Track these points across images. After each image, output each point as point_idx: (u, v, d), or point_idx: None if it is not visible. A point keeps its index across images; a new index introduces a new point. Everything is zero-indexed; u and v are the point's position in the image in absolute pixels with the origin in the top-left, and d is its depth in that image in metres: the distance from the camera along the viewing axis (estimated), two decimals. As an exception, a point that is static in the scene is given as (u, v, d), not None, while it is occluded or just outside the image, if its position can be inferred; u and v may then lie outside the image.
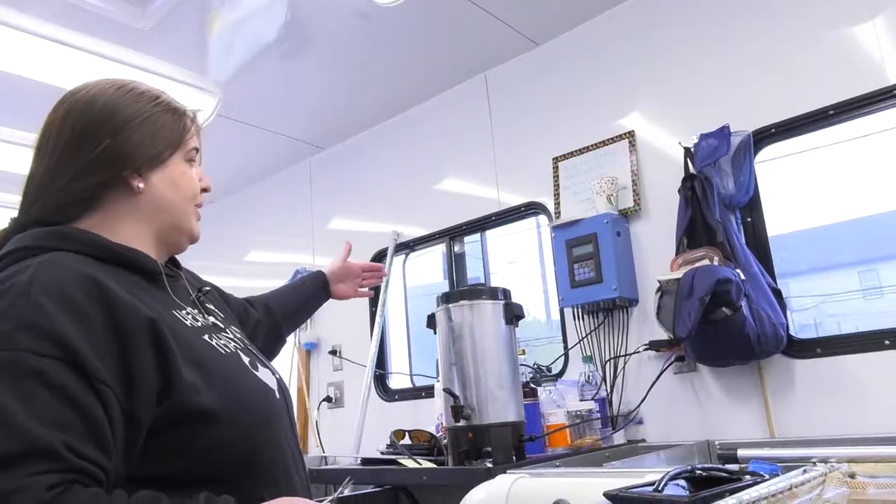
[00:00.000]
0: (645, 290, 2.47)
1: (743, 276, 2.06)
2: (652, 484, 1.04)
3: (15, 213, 0.98)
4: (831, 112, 2.13)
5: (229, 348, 1.01)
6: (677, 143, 2.40)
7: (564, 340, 2.72)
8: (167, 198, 1.03)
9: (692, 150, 2.33)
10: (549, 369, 2.62)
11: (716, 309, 1.99)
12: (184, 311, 1.00)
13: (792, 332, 2.16)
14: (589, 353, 2.54)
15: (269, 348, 1.50)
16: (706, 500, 0.88)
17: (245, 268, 4.51)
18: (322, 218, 3.95)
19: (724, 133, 2.24)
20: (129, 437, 0.82)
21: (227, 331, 1.09)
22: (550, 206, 2.84)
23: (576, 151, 2.78)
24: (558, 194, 2.80)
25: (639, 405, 2.38)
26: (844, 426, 1.99)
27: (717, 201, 2.20)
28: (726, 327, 1.99)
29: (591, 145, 2.73)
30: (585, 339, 2.57)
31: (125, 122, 0.98)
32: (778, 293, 2.14)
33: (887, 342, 1.97)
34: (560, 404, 2.27)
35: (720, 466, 1.12)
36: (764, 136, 2.26)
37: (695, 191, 2.26)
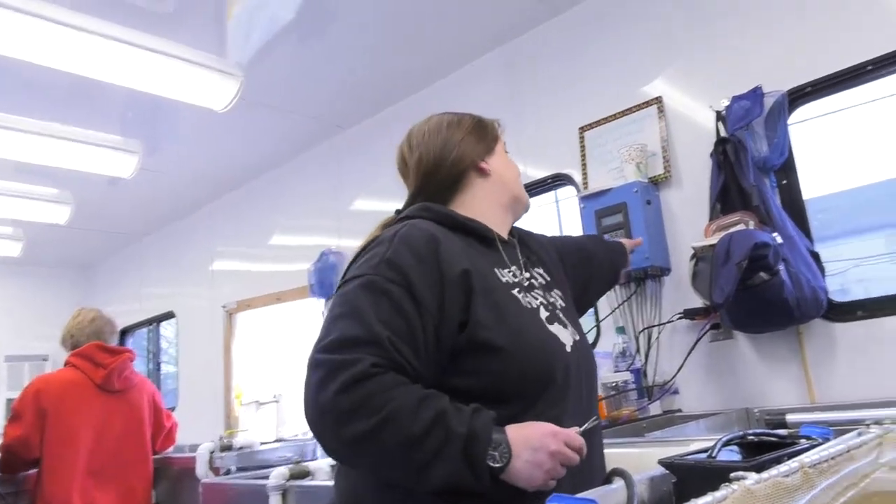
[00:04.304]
0: (677, 259, 2.43)
1: (780, 240, 2.01)
2: (704, 451, 1.02)
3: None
4: (870, 67, 2.06)
5: (532, 304, 1.26)
6: (707, 107, 2.35)
7: (596, 312, 2.70)
8: (503, 173, 1.40)
9: (723, 113, 2.28)
10: (581, 342, 2.60)
11: (753, 274, 1.95)
12: (506, 269, 1.28)
13: (831, 296, 2.11)
14: (622, 324, 2.51)
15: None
16: (765, 464, 0.85)
17: (270, 251, 4.53)
18: (346, 198, 3.95)
19: (756, 94, 2.18)
20: (437, 352, 1.11)
21: (539, 290, 1.32)
22: (578, 177, 2.80)
23: (602, 120, 2.73)
24: (585, 164, 2.76)
25: (675, 375, 2.35)
26: (887, 390, 1.95)
27: (750, 164, 2.15)
28: (765, 292, 1.95)
29: (618, 113, 2.68)
30: (618, 310, 2.55)
31: (470, 130, 1.40)
32: (816, 256, 2.09)
33: (932, 302, 1.93)
34: (595, 376, 2.25)
35: (772, 431, 1.09)
36: (799, 96, 2.20)
37: (727, 155, 2.21)
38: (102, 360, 3.09)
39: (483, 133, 1.42)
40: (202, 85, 3.10)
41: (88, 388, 3.05)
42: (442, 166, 1.36)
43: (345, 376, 1.02)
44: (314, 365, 1.07)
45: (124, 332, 5.95)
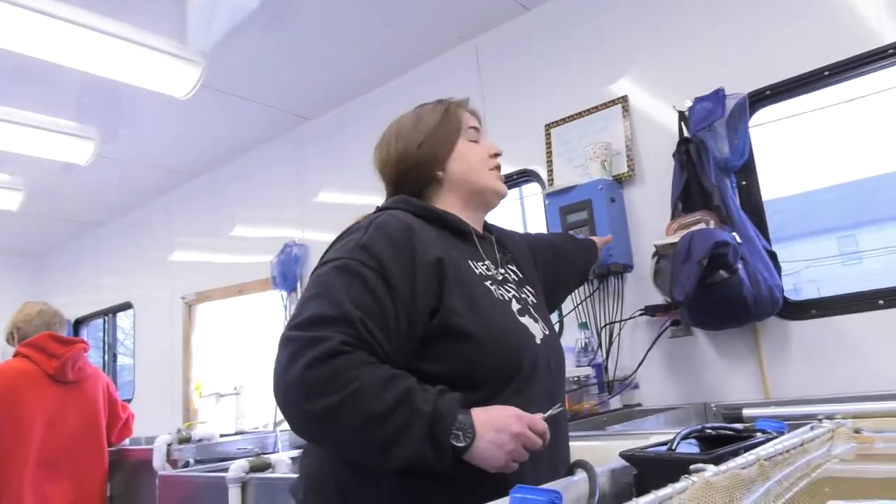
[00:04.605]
0: (640, 256, 2.47)
1: (739, 239, 2.06)
2: (664, 444, 1.04)
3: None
4: (826, 73, 2.12)
5: (504, 297, 1.28)
6: (671, 107, 2.39)
7: (559, 308, 2.72)
8: (460, 171, 1.39)
9: (686, 113, 2.31)
10: (543, 337, 2.62)
11: (713, 272, 1.99)
12: (480, 262, 1.31)
13: (786, 295, 2.17)
14: (584, 320, 2.54)
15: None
16: (723, 457, 0.87)
17: (232, 243, 4.45)
18: (311, 190, 3.91)
19: (718, 96, 2.22)
20: (408, 337, 1.13)
21: (511, 285, 1.35)
22: (543, 174, 2.82)
23: (568, 118, 2.75)
24: (551, 161, 2.78)
25: (636, 370, 2.39)
26: (839, 386, 2.02)
27: (712, 165, 2.20)
28: (724, 290, 1.99)
29: (584, 111, 2.71)
30: (580, 306, 2.57)
31: (425, 137, 1.39)
32: (773, 255, 2.14)
33: (881, 301, 1.99)
34: (557, 371, 2.27)
35: (729, 425, 1.12)
36: (759, 98, 2.25)
37: (689, 155, 2.25)
38: (55, 351, 3.01)
39: (446, 126, 1.42)
40: (162, 71, 3.03)
41: (40, 379, 2.97)
42: (409, 172, 1.39)
43: (314, 352, 1.03)
44: (285, 341, 1.08)
45: (79, 323, 5.81)
